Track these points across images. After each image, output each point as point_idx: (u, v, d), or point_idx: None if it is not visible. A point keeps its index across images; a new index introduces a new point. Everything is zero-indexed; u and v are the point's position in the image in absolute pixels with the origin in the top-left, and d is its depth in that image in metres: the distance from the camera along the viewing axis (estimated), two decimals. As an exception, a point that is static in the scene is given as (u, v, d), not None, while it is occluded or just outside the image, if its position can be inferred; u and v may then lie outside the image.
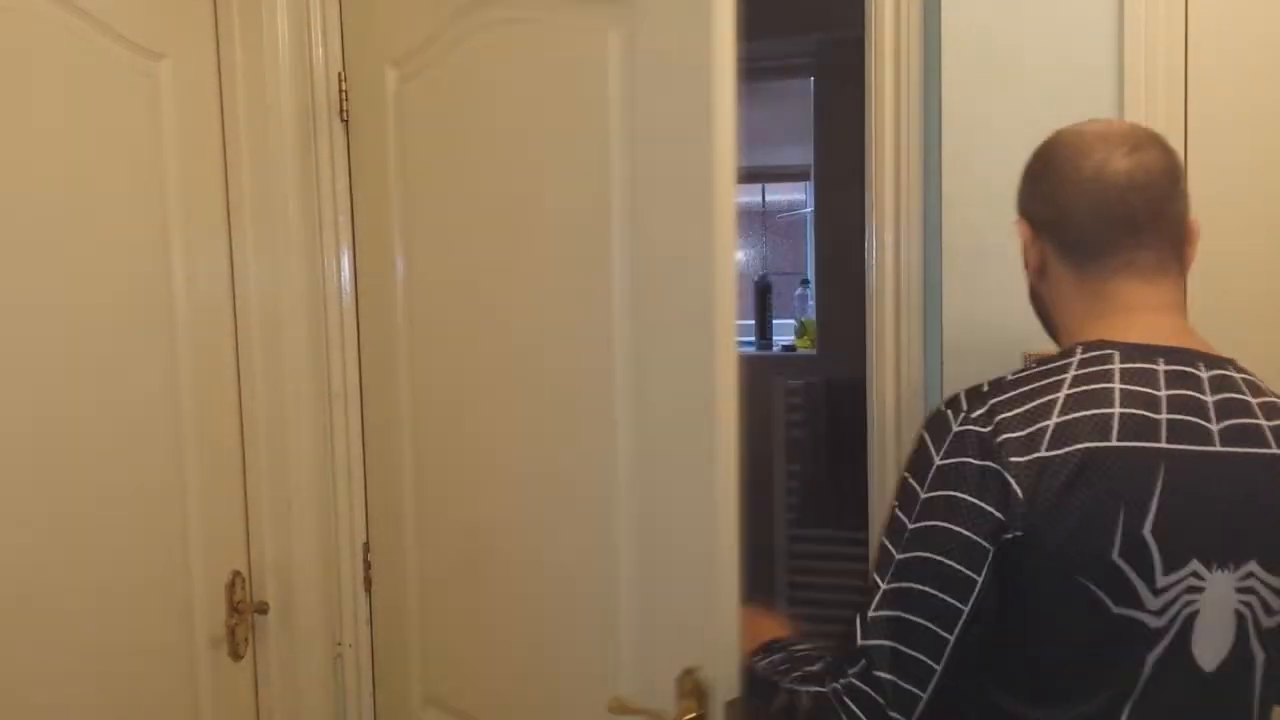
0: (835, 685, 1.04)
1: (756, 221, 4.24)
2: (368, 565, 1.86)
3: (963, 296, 1.57)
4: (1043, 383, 1.04)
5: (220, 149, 1.71)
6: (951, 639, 1.01)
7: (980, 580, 1.00)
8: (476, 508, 1.64)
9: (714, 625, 1.23)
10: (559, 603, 1.51)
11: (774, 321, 3.91)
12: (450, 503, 1.70)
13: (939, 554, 1.01)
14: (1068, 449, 0.99)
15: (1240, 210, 1.46)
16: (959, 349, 1.57)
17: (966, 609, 1.00)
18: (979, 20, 1.54)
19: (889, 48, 1.57)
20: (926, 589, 1.01)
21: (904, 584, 1.02)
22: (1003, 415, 1.02)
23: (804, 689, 1.09)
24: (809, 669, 1.11)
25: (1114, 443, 0.99)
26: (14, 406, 1.32)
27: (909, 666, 1.01)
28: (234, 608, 1.72)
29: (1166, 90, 1.47)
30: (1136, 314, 1.09)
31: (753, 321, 3.92)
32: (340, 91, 1.78)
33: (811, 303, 3.93)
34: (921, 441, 1.06)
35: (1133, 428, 1.00)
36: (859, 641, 1.03)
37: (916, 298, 1.60)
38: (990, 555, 0.99)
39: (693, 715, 1.22)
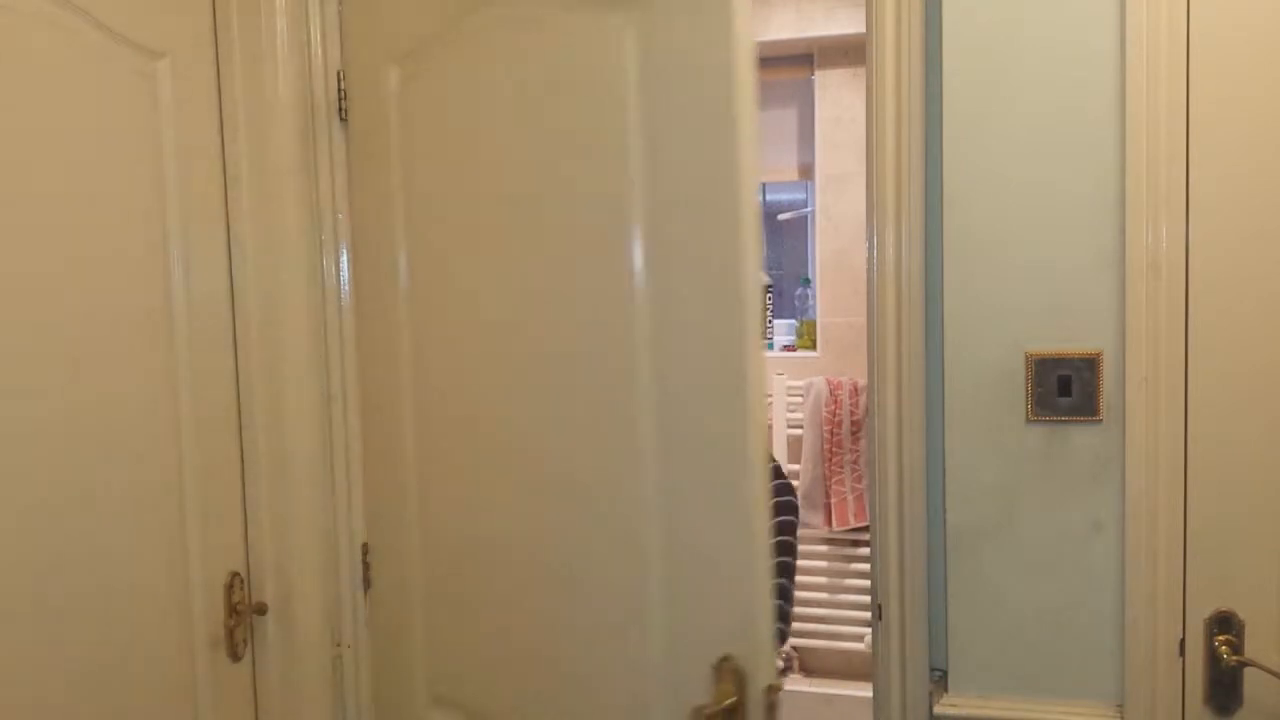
0: None
1: (757, 221, 4.23)
2: (366, 566, 1.85)
3: (964, 294, 1.56)
4: None
5: (219, 148, 1.70)
6: None
7: None
8: (486, 506, 1.63)
9: (748, 613, 1.26)
10: (580, 599, 1.50)
11: (774, 321, 3.91)
12: (456, 503, 1.69)
13: None
14: None
15: (1242, 201, 1.45)
16: (961, 346, 1.57)
17: None
18: (980, 16, 1.54)
19: (890, 45, 1.56)
20: None
21: None
22: None
23: None
24: None
25: None
26: (10, 406, 1.31)
27: None
28: (232, 609, 1.71)
29: (1168, 83, 1.46)
30: None
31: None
32: (339, 90, 1.78)
33: (812, 303, 3.92)
34: None
35: None
36: None
37: (918, 296, 1.59)
38: None
39: (731, 700, 1.25)
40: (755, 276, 1.23)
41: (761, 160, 3.95)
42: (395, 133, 1.71)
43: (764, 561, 1.26)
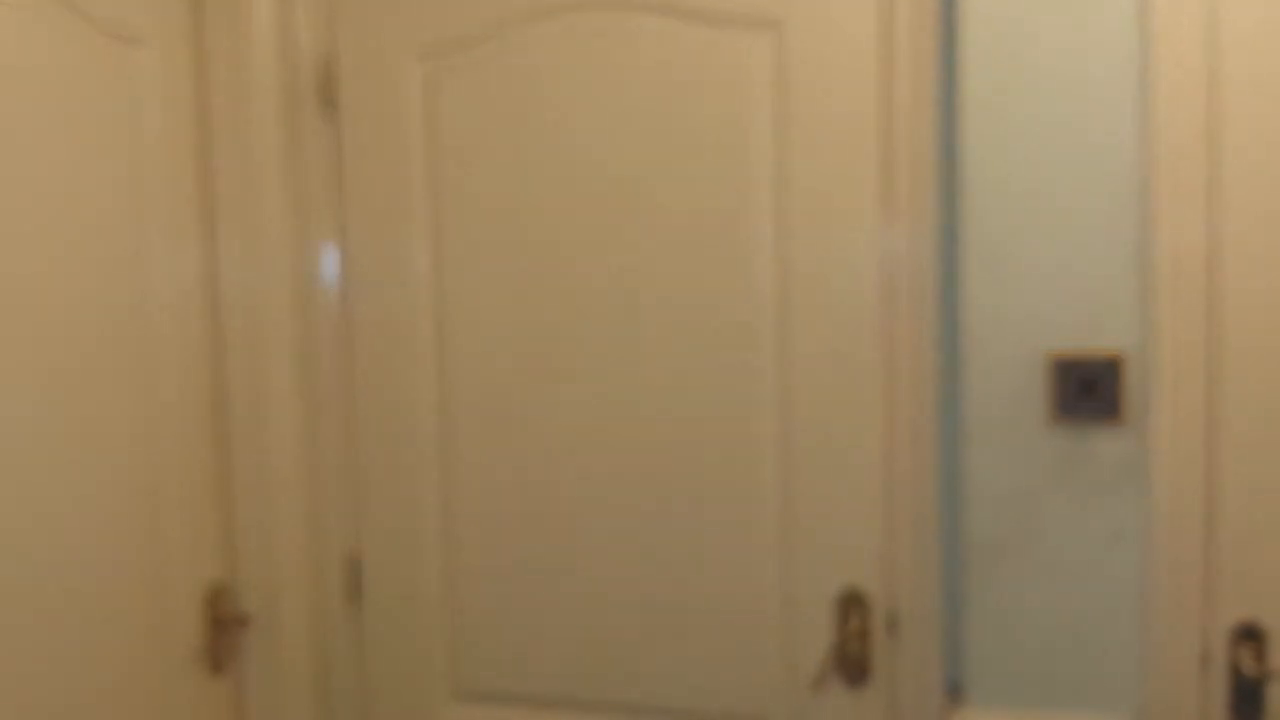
0: None
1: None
2: (356, 575, 1.83)
3: (982, 292, 1.54)
4: None
5: (200, 138, 1.69)
6: None
7: None
8: (562, 491, 1.72)
9: (871, 544, 1.57)
10: (687, 557, 1.68)
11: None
12: (510, 495, 1.75)
13: None
14: None
15: (1274, 196, 1.42)
16: (978, 346, 1.55)
17: None
18: (998, 6, 1.52)
19: (904, 38, 1.54)
20: None
21: None
22: None
23: None
24: None
25: None
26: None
27: None
28: (214, 620, 1.70)
29: (1195, 73, 1.43)
30: None
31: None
32: (327, 78, 1.76)
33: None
34: None
35: None
36: None
37: (932, 295, 1.57)
38: None
39: (858, 624, 1.58)
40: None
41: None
42: (418, 127, 1.74)
43: (878, 488, 1.57)
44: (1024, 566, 1.56)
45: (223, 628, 1.71)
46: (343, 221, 1.78)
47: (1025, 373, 1.53)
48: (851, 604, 1.60)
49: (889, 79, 1.55)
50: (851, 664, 1.61)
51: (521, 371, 1.72)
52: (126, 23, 1.55)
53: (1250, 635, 1.48)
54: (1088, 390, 1.50)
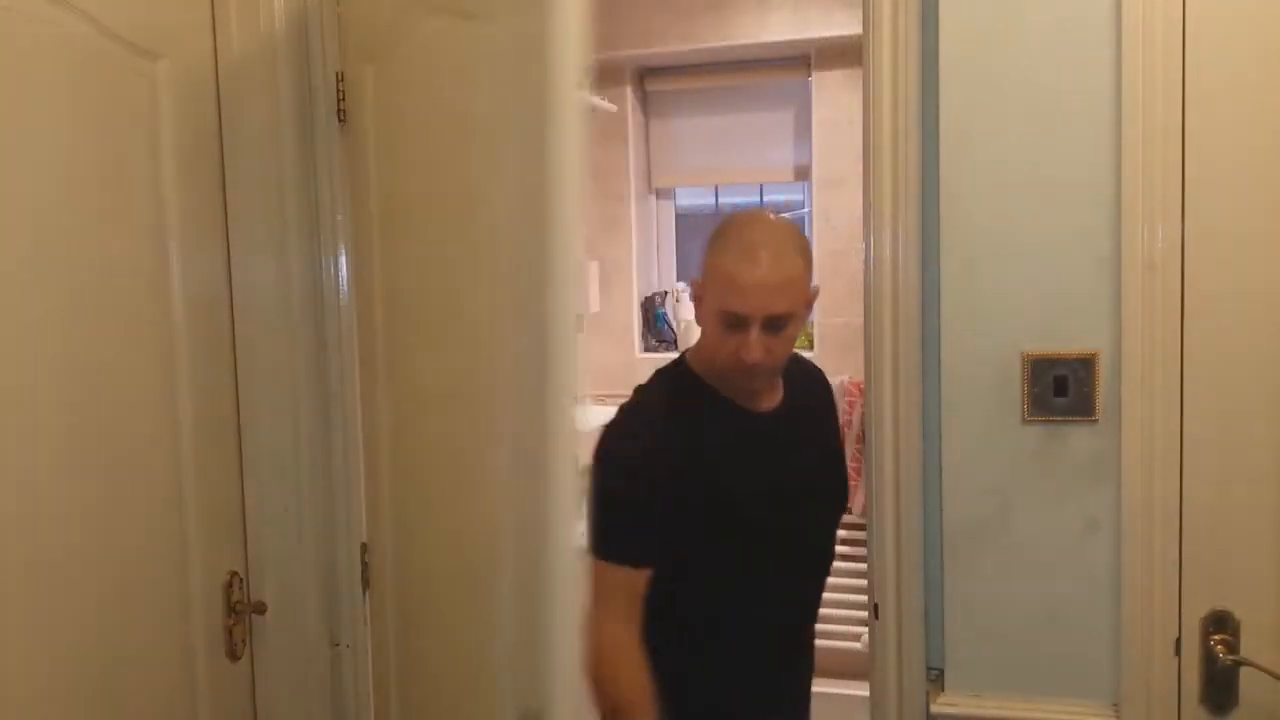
0: None
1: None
2: (365, 565, 1.86)
3: (961, 294, 1.57)
4: None
5: (218, 149, 1.71)
6: None
7: None
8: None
9: (550, 671, 1.25)
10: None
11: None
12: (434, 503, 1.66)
13: None
14: None
15: (1238, 201, 1.46)
16: (957, 346, 1.58)
17: None
18: (976, 19, 1.54)
19: (886, 47, 1.57)
20: None
21: None
22: None
23: None
24: None
25: None
26: (10, 407, 1.31)
27: None
28: (231, 608, 1.72)
29: (1164, 83, 1.46)
30: None
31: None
32: (338, 91, 1.78)
33: (809, 303, 3.91)
34: None
35: None
36: None
37: (914, 297, 1.60)
38: None
39: None
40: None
41: (758, 160, 3.95)
42: (371, 133, 1.70)
43: (569, 617, 1.23)
44: (1002, 556, 1.58)
45: (240, 616, 1.73)
46: (353, 228, 1.79)
47: (1003, 372, 1.55)
48: (838, 591, 1.65)
49: (873, 98, 1.58)
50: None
51: (436, 376, 1.62)
52: (148, 38, 1.55)
53: (1222, 624, 1.50)
54: (1062, 388, 1.53)
